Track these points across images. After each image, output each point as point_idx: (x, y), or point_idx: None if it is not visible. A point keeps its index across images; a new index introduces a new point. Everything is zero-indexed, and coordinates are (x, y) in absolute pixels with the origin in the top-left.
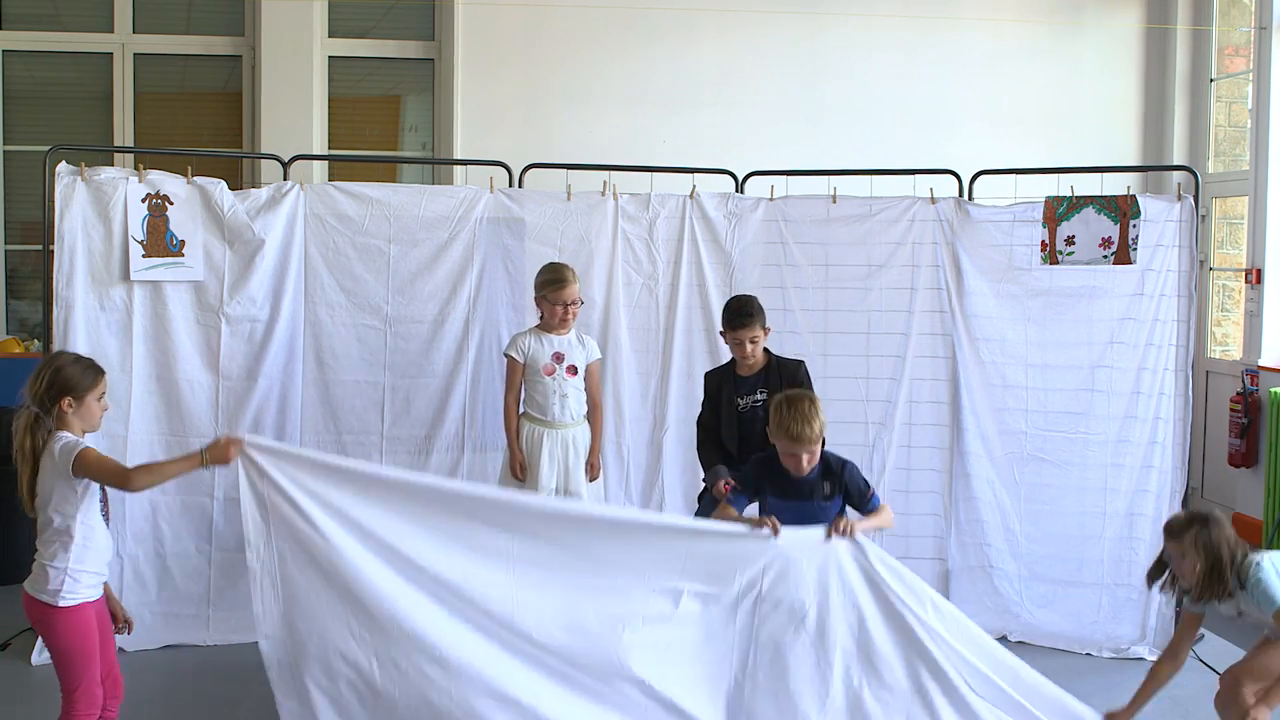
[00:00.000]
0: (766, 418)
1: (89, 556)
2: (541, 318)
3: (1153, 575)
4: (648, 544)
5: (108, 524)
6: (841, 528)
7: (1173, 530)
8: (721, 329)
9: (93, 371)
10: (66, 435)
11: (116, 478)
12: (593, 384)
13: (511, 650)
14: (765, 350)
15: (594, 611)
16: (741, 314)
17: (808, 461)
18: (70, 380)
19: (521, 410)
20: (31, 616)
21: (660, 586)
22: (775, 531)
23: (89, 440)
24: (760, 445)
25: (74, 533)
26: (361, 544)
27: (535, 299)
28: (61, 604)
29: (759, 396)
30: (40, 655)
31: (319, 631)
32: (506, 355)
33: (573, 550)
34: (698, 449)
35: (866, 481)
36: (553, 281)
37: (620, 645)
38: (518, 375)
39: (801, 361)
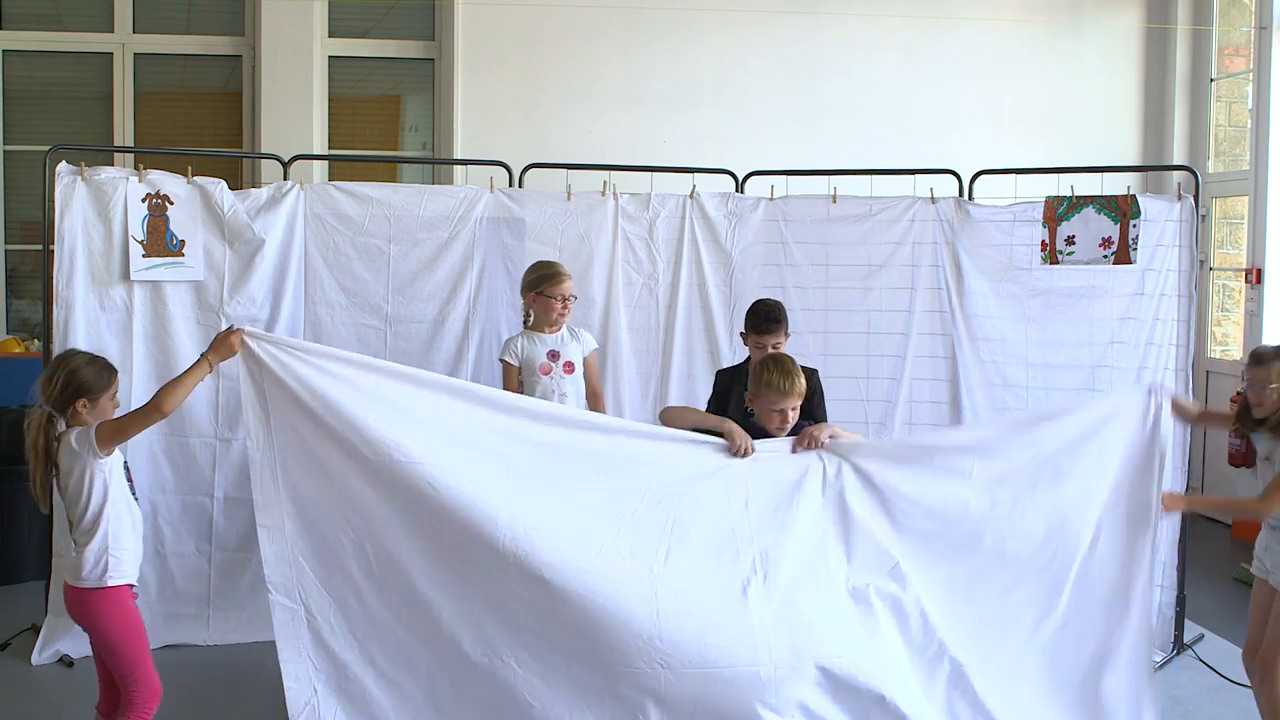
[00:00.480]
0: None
1: (124, 533)
2: (531, 318)
3: (1242, 415)
4: (642, 465)
5: (136, 499)
6: (806, 441)
7: (1261, 358)
8: (744, 330)
9: (107, 372)
10: (77, 428)
11: (145, 417)
12: (591, 375)
13: (510, 542)
14: None
15: (594, 518)
16: (770, 320)
17: (793, 416)
18: (85, 382)
19: None
20: (76, 609)
21: (661, 496)
22: (747, 452)
23: None
24: None
25: (107, 512)
26: (358, 435)
27: (528, 297)
28: (108, 583)
29: None
30: (41, 655)
31: (316, 521)
32: (501, 360)
33: (576, 463)
34: None
35: None
36: (550, 276)
37: (627, 545)
38: (513, 379)
39: (815, 370)
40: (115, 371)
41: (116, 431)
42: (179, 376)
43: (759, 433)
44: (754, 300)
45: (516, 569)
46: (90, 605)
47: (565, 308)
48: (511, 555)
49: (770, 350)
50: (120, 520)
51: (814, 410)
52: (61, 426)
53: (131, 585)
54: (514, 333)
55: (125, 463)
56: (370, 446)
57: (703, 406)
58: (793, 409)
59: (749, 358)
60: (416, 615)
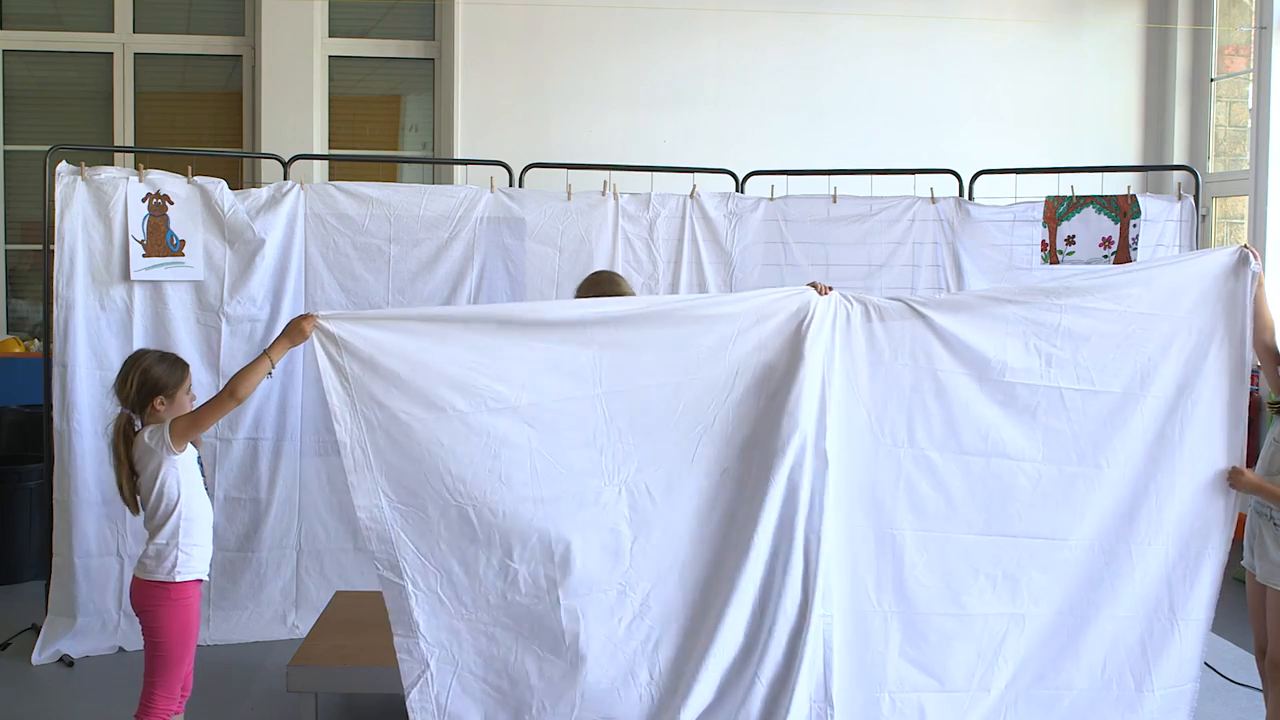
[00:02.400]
0: None
1: (196, 530)
2: None
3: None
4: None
5: (209, 492)
6: (820, 288)
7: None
8: None
9: (179, 367)
10: (150, 427)
11: (220, 405)
12: None
13: (608, 479)
14: None
15: (685, 429)
16: None
17: None
18: (159, 379)
19: None
20: (143, 603)
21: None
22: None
23: None
24: None
25: (180, 510)
26: (450, 390)
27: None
28: (177, 579)
29: None
30: (41, 655)
31: (414, 494)
32: None
33: (656, 367)
34: None
35: None
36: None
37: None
38: None
39: None
40: (187, 366)
41: (192, 425)
42: (249, 364)
43: None
44: None
45: (617, 511)
46: (155, 601)
47: None
48: (614, 485)
49: None
50: (193, 518)
51: None
52: (138, 426)
53: (200, 580)
54: None
55: (199, 457)
56: (464, 399)
57: None
58: None
59: None
60: (530, 570)
